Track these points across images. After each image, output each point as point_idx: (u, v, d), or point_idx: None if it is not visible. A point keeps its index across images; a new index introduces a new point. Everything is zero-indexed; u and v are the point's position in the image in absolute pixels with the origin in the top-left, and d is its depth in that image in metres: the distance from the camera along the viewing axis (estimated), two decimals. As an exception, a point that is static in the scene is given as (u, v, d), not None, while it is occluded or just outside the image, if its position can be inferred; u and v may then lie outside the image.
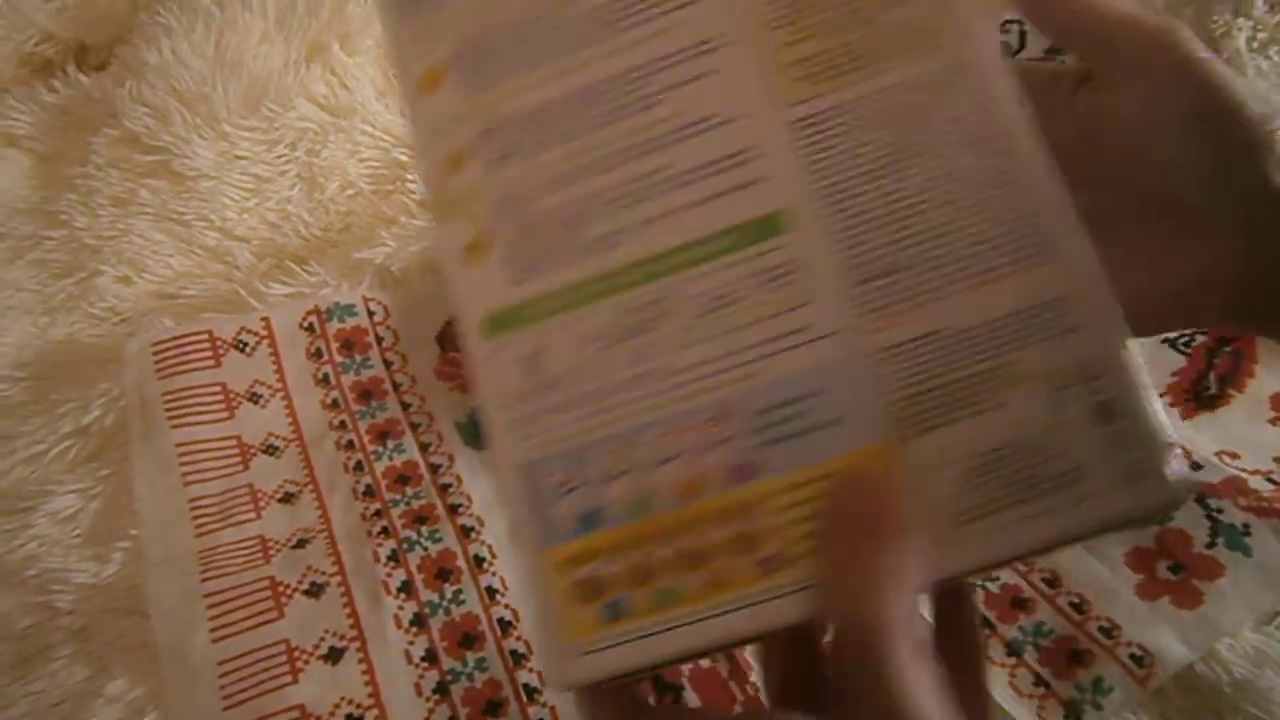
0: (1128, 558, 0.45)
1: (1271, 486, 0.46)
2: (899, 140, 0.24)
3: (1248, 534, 0.44)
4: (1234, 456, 0.48)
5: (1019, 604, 0.45)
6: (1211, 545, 0.44)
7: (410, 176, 0.64)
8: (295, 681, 0.44)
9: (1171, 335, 0.55)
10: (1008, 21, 0.64)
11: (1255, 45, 0.60)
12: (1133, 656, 0.42)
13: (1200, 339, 0.55)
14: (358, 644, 0.45)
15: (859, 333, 0.23)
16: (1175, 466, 0.22)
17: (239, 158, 0.64)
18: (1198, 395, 0.52)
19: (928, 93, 0.24)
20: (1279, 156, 0.27)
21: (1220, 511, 0.45)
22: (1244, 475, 0.47)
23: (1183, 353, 0.54)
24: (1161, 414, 0.22)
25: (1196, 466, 0.47)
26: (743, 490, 0.23)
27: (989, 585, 0.46)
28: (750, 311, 0.24)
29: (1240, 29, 0.60)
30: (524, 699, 0.44)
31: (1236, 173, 0.27)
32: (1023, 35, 0.64)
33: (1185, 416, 0.51)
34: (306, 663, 0.44)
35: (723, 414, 0.24)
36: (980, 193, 0.23)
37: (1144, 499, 0.22)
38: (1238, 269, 0.28)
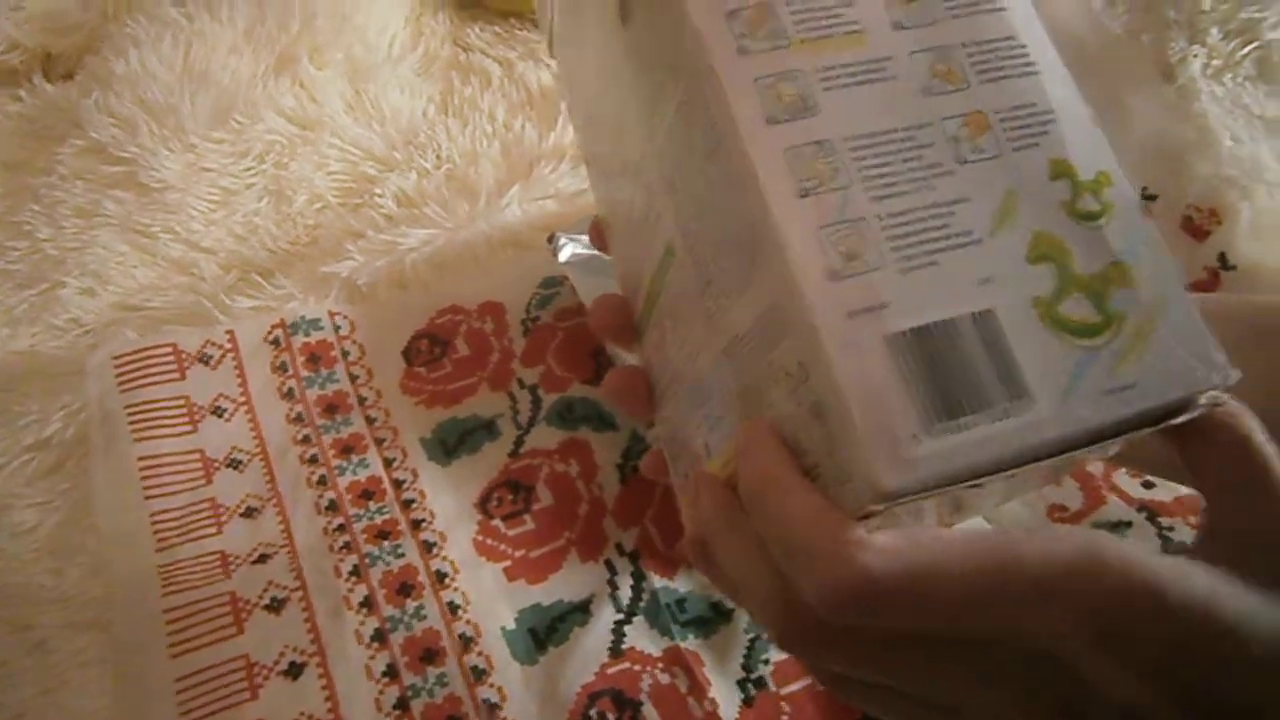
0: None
1: (1221, 505, 0.47)
2: (681, 161, 0.26)
3: (1197, 552, 0.45)
4: (1186, 475, 0.49)
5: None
6: (1162, 563, 0.45)
7: (378, 190, 0.65)
8: (254, 698, 0.44)
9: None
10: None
11: (1210, 72, 0.61)
12: None
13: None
14: (318, 659, 0.45)
15: (710, 337, 0.26)
16: (888, 471, 0.21)
17: (206, 170, 0.64)
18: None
19: (685, 110, 0.25)
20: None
21: (1171, 530, 0.46)
22: (1195, 493, 0.47)
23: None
24: (880, 417, 0.21)
25: (1149, 485, 0.48)
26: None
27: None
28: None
29: (1196, 55, 0.61)
30: (484, 715, 0.44)
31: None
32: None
33: (1140, 435, 0.52)
34: (266, 679, 0.44)
35: None
36: (725, 202, 0.24)
37: (851, 500, 0.22)
38: None
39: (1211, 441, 0.24)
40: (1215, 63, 0.61)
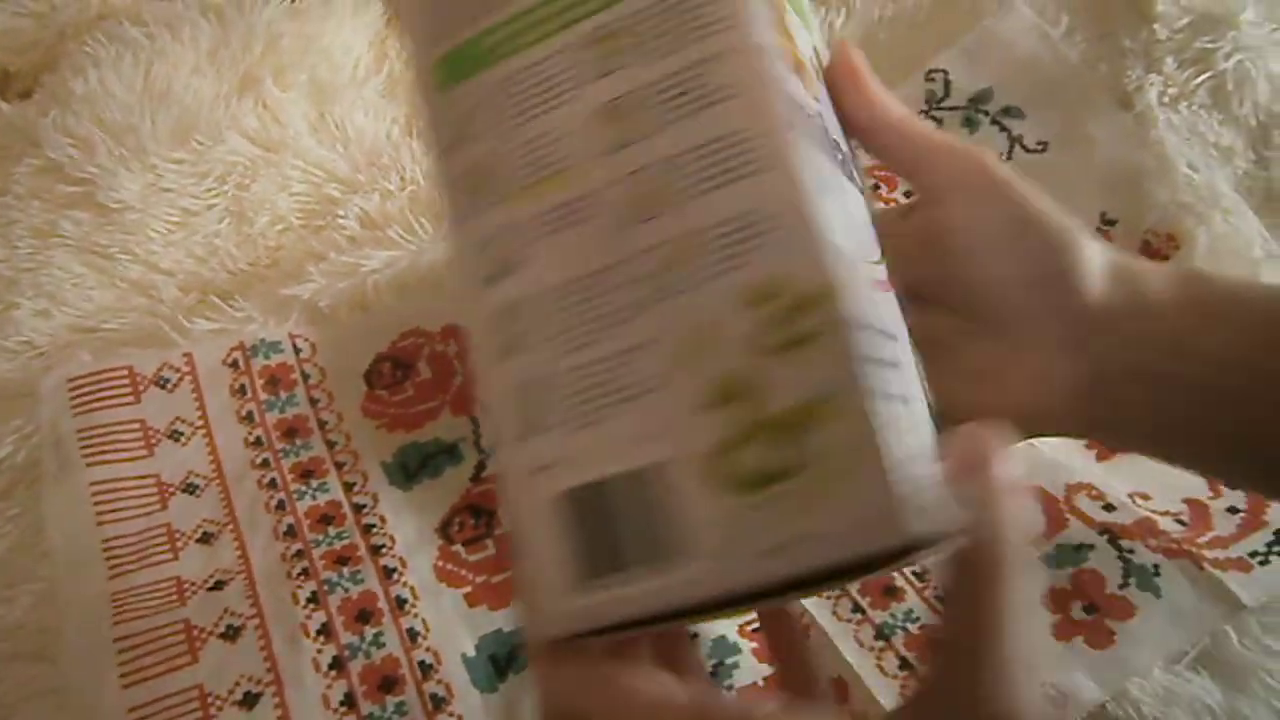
0: (1044, 598, 0.46)
1: (1181, 528, 0.47)
2: None
3: (1158, 574, 0.45)
4: (1145, 498, 0.50)
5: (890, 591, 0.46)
6: (1124, 586, 0.45)
7: (340, 212, 0.64)
8: (208, 728, 0.43)
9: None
10: (932, 71, 0.66)
11: (1166, 100, 0.62)
12: (1047, 697, 0.43)
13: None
14: (274, 689, 0.44)
15: None
16: (549, 621, 0.23)
17: (166, 190, 0.63)
18: (1113, 437, 0.53)
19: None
20: (1087, 264, 0.29)
21: (1132, 552, 0.46)
22: (1154, 516, 0.48)
23: (1099, 396, 0.56)
24: (544, 570, 0.24)
25: (1110, 508, 0.48)
26: None
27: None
28: None
29: (1152, 84, 0.62)
30: (443, 744, 0.43)
31: (1051, 287, 0.30)
32: (947, 85, 0.66)
33: (1100, 458, 0.52)
34: (220, 709, 0.43)
35: None
36: None
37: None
38: (1068, 385, 0.29)
39: (956, 581, 0.23)
40: (1171, 91, 0.62)
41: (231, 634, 0.46)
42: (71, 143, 0.62)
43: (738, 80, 0.23)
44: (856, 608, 0.47)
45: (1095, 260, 0.30)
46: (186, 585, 0.48)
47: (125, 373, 0.54)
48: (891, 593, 0.47)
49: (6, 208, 0.61)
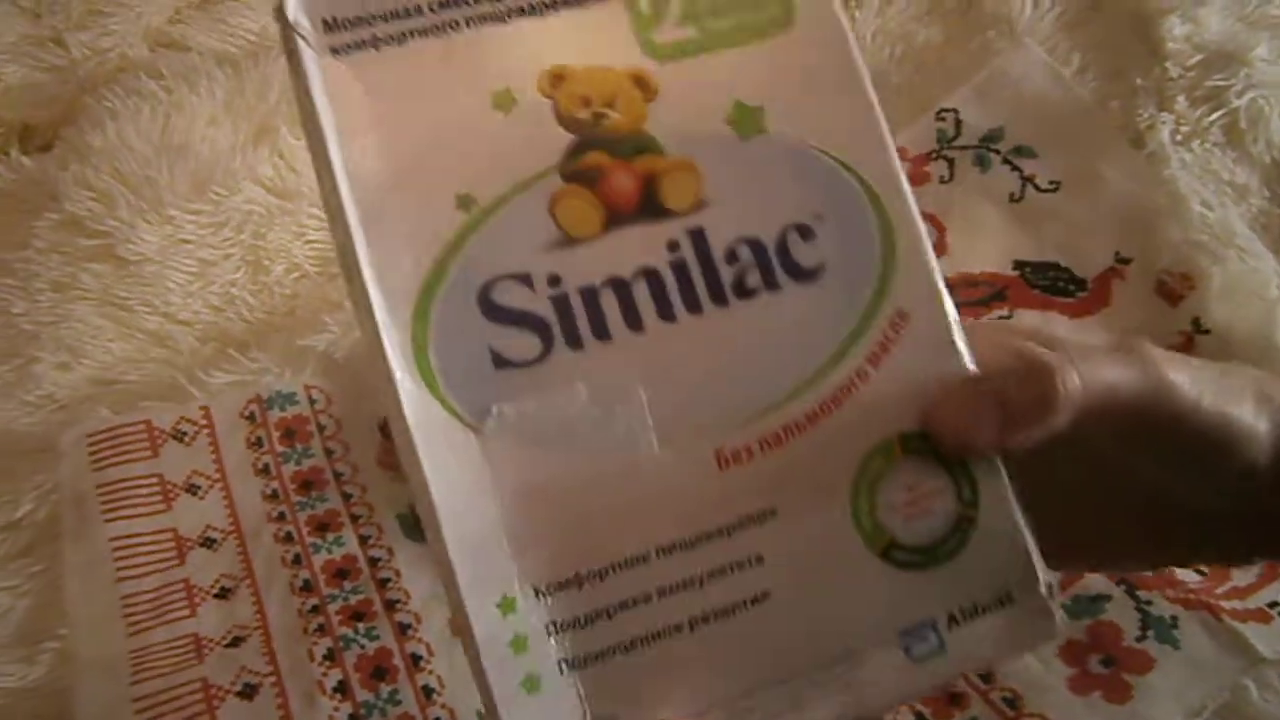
0: (1061, 651, 0.45)
1: (1199, 578, 0.47)
2: None
3: (1175, 626, 0.45)
4: (1164, 545, 0.49)
5: (954, 699, 0.45)
6: (1142, 639, 0.45)
7: (356, 259, 0.65)
8: (225, 790, 0.43)
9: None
10: (943, 110, 0.66)
11: (1179, 138, 0.62)
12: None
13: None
14: (291, 748, 0.44)
15: None
16: None
17: (184, 241, 0.64)
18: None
19: None
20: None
21: (1150, 604, 0.46)
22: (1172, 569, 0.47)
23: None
24: None
25: (1127, 557, 0.48)
26: None
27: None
28: None
29: (1164, 123, 0.62)
30: (459, 804, 0.43)
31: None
32: (958, 124, 0.66)
33: (1118, 504, 0.52)
34: (237, 769, 0.44)
35: None
36: None
37: None
38: None
39: None
40: (1184, 129, 0.62)
41: (249, 692, 0.46)
42: (91, 196, 0.63)
43: None
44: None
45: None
46: (204, 642, 0.48)
47: (143, 427, 0.55)
48: (956, 700, 0.46)
49: (27, 261, 0.62)
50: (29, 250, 0.62)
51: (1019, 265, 0.63)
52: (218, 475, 0.54)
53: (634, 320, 0.27)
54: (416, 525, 0.53)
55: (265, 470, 0.55)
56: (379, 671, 0.47)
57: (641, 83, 0.28)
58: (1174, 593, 0.46)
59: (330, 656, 0.47)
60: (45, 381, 0.57)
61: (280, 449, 0.56)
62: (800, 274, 0.29)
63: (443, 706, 0.46)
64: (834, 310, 0.29)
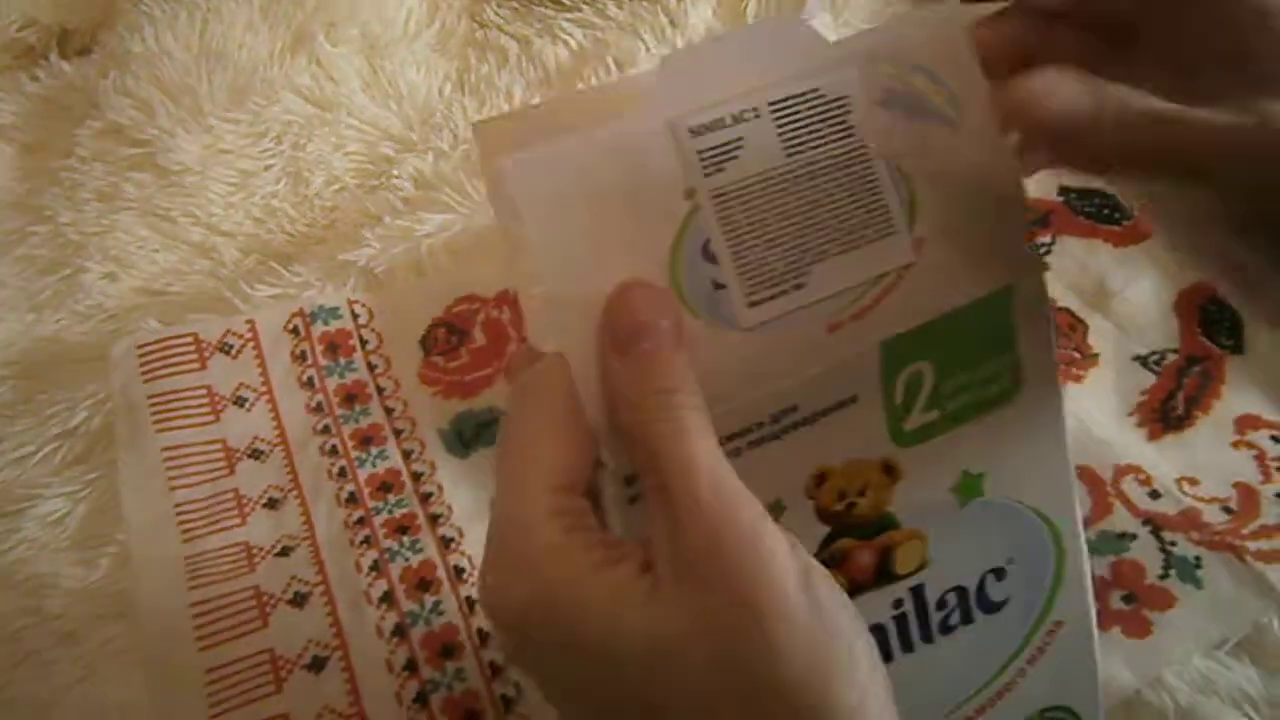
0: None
1: (1226, 517, 0.48)
2: None
3: (1199, 567, 0.46)
4: (1193, 483, 0.50)
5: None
6: (1164, 577, 0.46)
7: (395, 172, 0.65)
8: (279, 691, 0.45)
9: (1143, 353, 0.56)
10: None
11: None
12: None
13: (1171, 357, 0.56)
14: (340, 654, 0.47)
15: None
16: None
17: (224, 151, 0.64)
18: (1165, 416, 0.53)
19: None
20: None
21: (1174, 544, 0.46)
22: (1200, 506, 0.48)
23: (1153, 371, 0.55)
24: None
25: (1155, 495, 0.49)
26: None
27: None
28: None
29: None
30: (501, 710, 0.45)
31: None
32: None
33: (1152, 438, 0.52)
34: (290, 672, 0.46)
35: None
36: None
37: None
38: None
39: None
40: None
41: (299, 600, 0.48)
42: (132, 104, 0.63)
43: None
44: None
45: None
46: (255, 551, 0.50)
47: (191, 339, 0.56)
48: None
49: (72, 170, 0.62)
50: (73, 159, 0.63)
51: (1064, 191, 0.63)
52: (264, 388, 0.56)
53: None
54: (458, 441, 0.54)
55: (310, 383, 0.56)
56: (423, 583, 0.49)
57: (889, 469, 0.31)
58: (1199, 535, 0.47)
59: (376, 568, 0.49)
60: (94, 291, 0.59)
61: (324, 363, 0.57)
62: (990, 608, 0.33)
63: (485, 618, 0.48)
64: (1010, 630, 0.33)
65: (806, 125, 0.28)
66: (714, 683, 0.24)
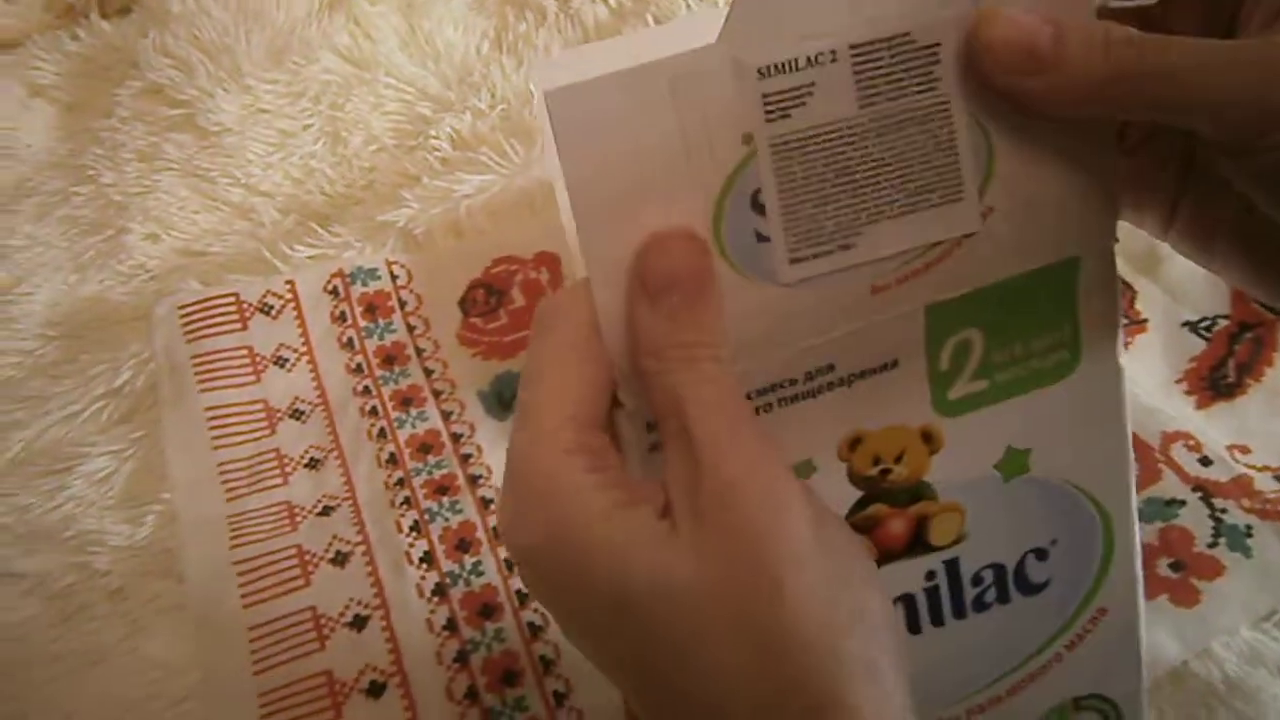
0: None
1: (1278, 485, 0.47)
2: None
3: (1250, 535, 0.45)
4: (1244, 451, 0.49)
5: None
6: (1213, 545, 0.45)
7: (432, 132, 0.64)
8: (322, 648, 0.46)
9: (1193, 319, 0.55)
10: None
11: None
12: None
13: (1222, 323, 0.55)
14: (381, 612, 0.47)
15: None
16: None
17: (262, 111, 0.64)
18: (1215, 383, 0.52)
19: None
20: None
21: (1224, 512, 0.46)
22: (1251, 473, 0.47)
23: (1203, 337, 0.54)
24: None
25: (1206, 462, 0.48)
26: None
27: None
28: None
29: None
30: (540, 670, 0.46)
31: None
32: None
33: (1201, 405, 0.51)
34: (333, 630, 0.46)
35: None
36: None
37: None
38: None
39: None
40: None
41: (340, 560, 0.48)
42: (171, 64, 0.64)
43: None
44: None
45: None
46: (297, 510, 0.50)
47: (232, 299, 0.56)
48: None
49: (113, 130, 0.63)
50: (113, 119, 0.63)
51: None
52: (304, 348, 0.56)
53: None
54: (497, 402, 0.55)
55: (349, 344, 0.56)
56: (463, 544, 0.49)
57: (929, 437, 0.29)
58: (1250, 502, 0.46)
59: (416, 528, 0.49)
60: (136, 252, 0.59)
61: (363, 324, 0.57)
62: (1029, 589, 0.32)
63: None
64: (1050, 613, 0.33)
65: (888, 74, 0.26)
66: (723, 625, 0.24)
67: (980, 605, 0.32)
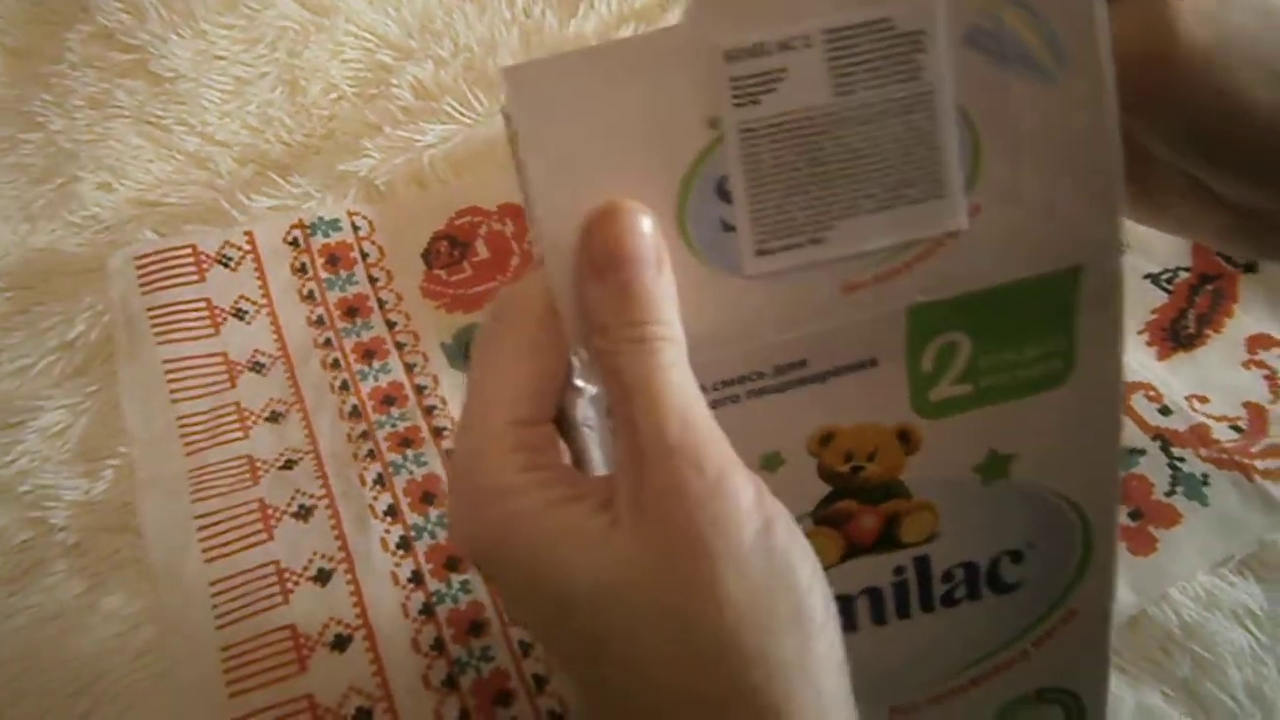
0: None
1: (1235, 435, 0.47)
2: None
3: (1206, 484, 0.46)
4: (1203, 400, 0.49)
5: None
6: (1171, 494, 0.46)
7: (394, 81, 0.63)
8: (286, 602, 0.45)
9: (1154, 271, 0.55)
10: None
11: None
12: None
13: (1183, 275, 0.55)
14: (345, 566, 0.47)
15: None
16: None
17: (218, 58, 0.62)
18: (1175, 334, 0.53)
19: None
20: None
21: (1182, 460, 0.46)
22: (1209, 423, 0.48)
23: (1165, 289, 0.55)
24: None
25: (1166, 411, 0.48)
26: None
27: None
28: None
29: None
30: (505, 619, 0.46)
31: None
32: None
33: (1161, 356, 0.52)
34: (296, 584, 0.46)
35: None
36: None
37: None
38: None
39: None
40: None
41: (304, 513, 0.48)
42: (122, 8, 0.62)
43: None
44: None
45: None
46: (259, 464, 0.50)
47: (189, 251, 0.55)
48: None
49: (62, 76, 0.61)
50: (63, 65, 0.61)
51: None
52: (264, 300, 0.55)
53: (850, 625, 0.31)
54: (461, 355, 0.54)
55: (310, 296, 0.55)
56: (427, 496, 0.49)
57: (906, 437, 0.29)
58: (1207, 451, 0.46)
59: (380, 481, 0.49)
60: (88, 202, 0.57)
61: (324, 275, 0.56)
62: (1001, 588, 0.32)
63: (489, 532, 0.48)
64: (1020, 611, 0.33)
65: (866, 61, 0.25)
66: (656, 620, 0.23)
67: (949, 601, 0.32)
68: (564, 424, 0.28)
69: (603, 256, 0.25)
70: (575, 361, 0.26)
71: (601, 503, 0.25)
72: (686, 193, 0.25)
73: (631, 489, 0.24)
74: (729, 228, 0.26)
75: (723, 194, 0.25)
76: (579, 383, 0.26)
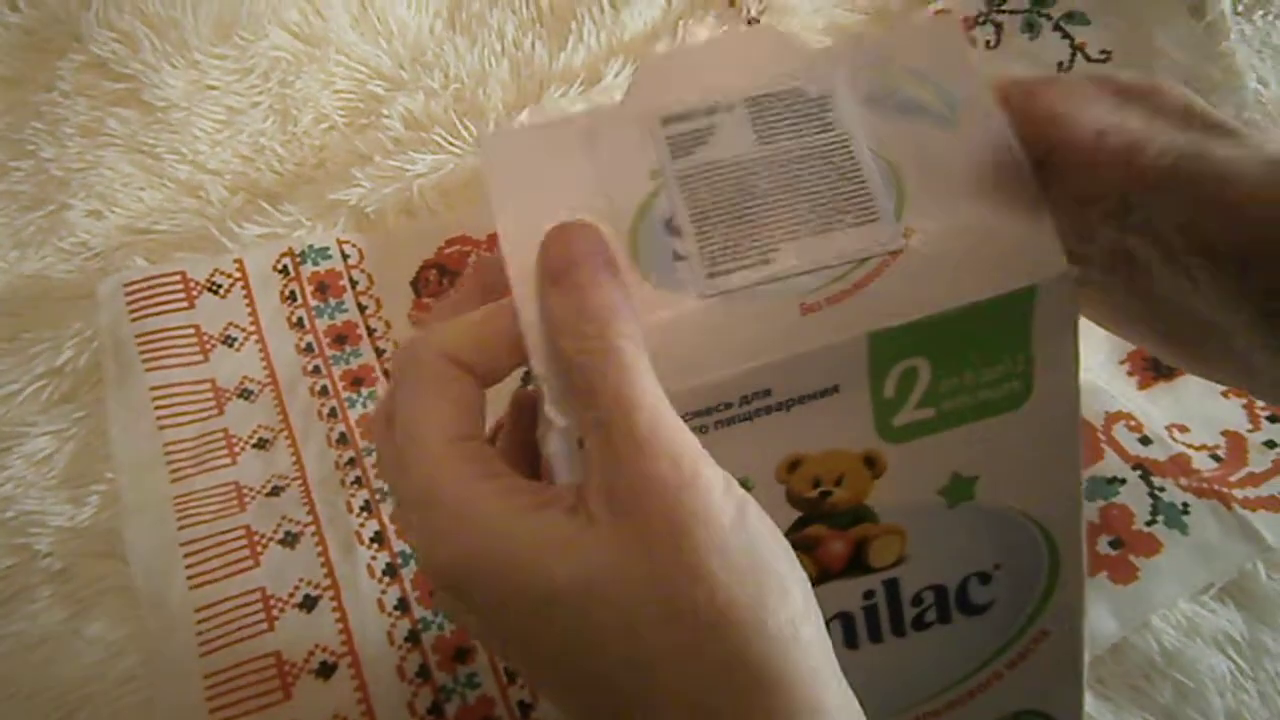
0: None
1: (1215, 464, 0.48)
2: None
3: (1186, 513, 0.46)
4: (1183, 430, 0.50)
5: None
6: (1151, 523, 0.46)
7: (385, 111, 0.64)
8: (271, 629, 0.45)
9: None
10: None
11: (1240, 9, 0.60)
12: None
13: (1162, 306, 0.56)
14: (332, 593, 0.47)
15: None
16: None
17: (210, 87, 0.63)
18: (1156, 364, 0.53)
19: None
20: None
21: (1162, 490, 0.47)
22: (1189, 452, 0.48)
23: (1144, 320, 0.55)
24: None
25: (1146, 441, 0.49)
26: None
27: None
28: None
29: (1226, -8, 0.60)
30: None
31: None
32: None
33: (1142, 386, 0.53)
34: (282, 610, 0.46)
35: None
36: None
37: None
38: None
39: None
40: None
41: (290, 540, 0.48)
42: (114, 37, 0.62)
43: None
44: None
45: None
46: (245, 490, 0.50)
47: (179, 278, 0.55)
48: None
49: (54, 104, 0.61)
50: (54, 93, 0.61)
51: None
52: (253, 327, 0.55)
53: None
54: (448, 384, 0.54)
55: (299, 324, 0.56)
56: (414, 524, 0.49)
57: (871, 462, 0.29)
58: (1187, 481, 0.47)
59: (367, 508, 0.49)
60: (78, 229, 0.58)
61: (314, 303, 0.56)
62: (971, 610, 0.32)
63: (475, 559, 0.48)
64: (991, 633, 0.33)
65: (783, 118, 0.29)
66: (652, 613, 0.24)
67: (920, 624, 0.32)
68: (537, 458, 0.29)
69: (558, 261, 0.27)
70: (544, 389, 0.27)
71: (568, 508, 0.25)
72: (637, 232, 0.28)
73: (605, 488, 0.25)
74: (680, 257, 0.28)
75: (671, 230, 0.28)
76: (549, 413, 0.27)
